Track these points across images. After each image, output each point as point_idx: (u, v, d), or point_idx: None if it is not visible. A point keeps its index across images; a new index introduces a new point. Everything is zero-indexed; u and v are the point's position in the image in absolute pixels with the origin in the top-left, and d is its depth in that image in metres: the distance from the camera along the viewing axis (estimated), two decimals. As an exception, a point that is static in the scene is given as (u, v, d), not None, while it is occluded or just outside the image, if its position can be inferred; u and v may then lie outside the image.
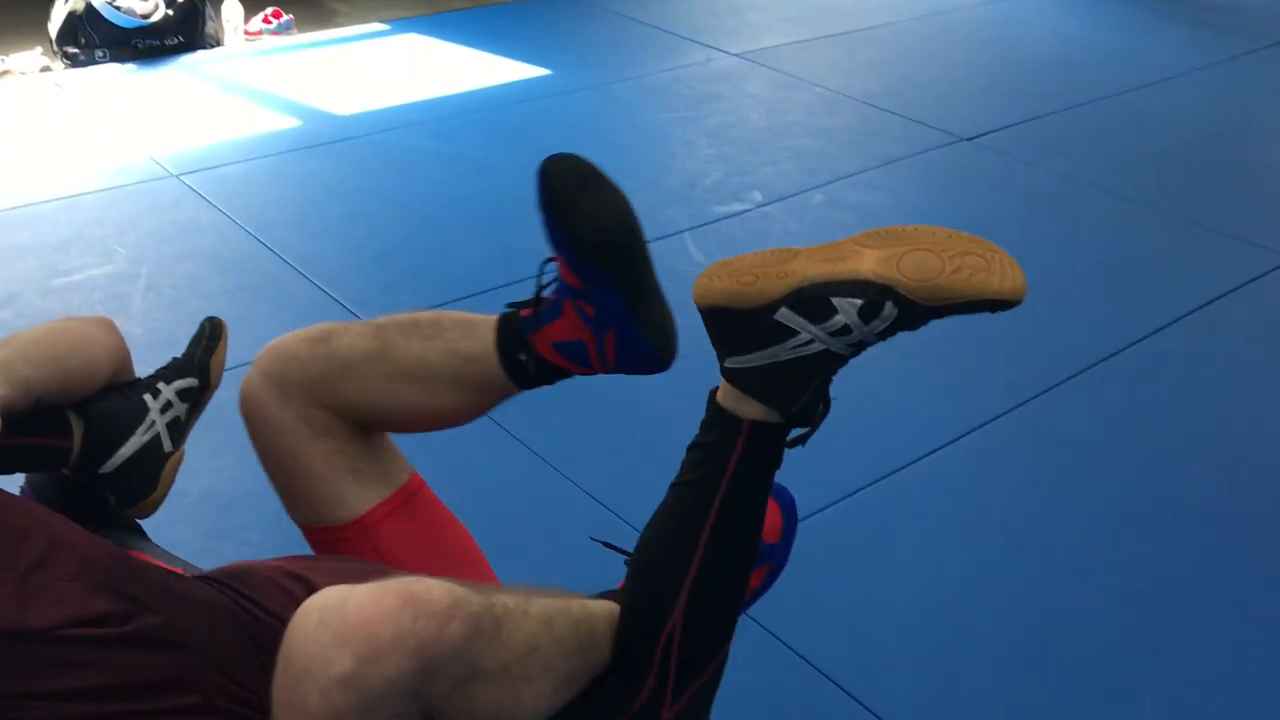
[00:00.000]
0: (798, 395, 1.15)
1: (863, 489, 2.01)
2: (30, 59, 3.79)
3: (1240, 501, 2.04)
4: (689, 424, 1.21)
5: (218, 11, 4.10)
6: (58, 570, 1.15)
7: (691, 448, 1.21)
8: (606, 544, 1.35)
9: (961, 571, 1.88)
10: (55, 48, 3.87)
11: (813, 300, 1.11)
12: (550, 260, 1.31)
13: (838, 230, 2.96)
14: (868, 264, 1.11)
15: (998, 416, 2.23)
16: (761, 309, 1.13)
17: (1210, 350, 2.49)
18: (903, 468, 2.07)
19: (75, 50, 3.84)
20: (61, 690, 1.12)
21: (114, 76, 3.76)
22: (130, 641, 1.15)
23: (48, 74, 3.77)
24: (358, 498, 1.36)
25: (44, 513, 1.21)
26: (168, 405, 1.48)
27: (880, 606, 1.80)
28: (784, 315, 1.12)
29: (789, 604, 1.57)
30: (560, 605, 1.14)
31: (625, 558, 1.31)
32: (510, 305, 1.34)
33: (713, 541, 1.17)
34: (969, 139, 3.57)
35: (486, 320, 1.34)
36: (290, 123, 3.48)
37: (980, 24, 4.76)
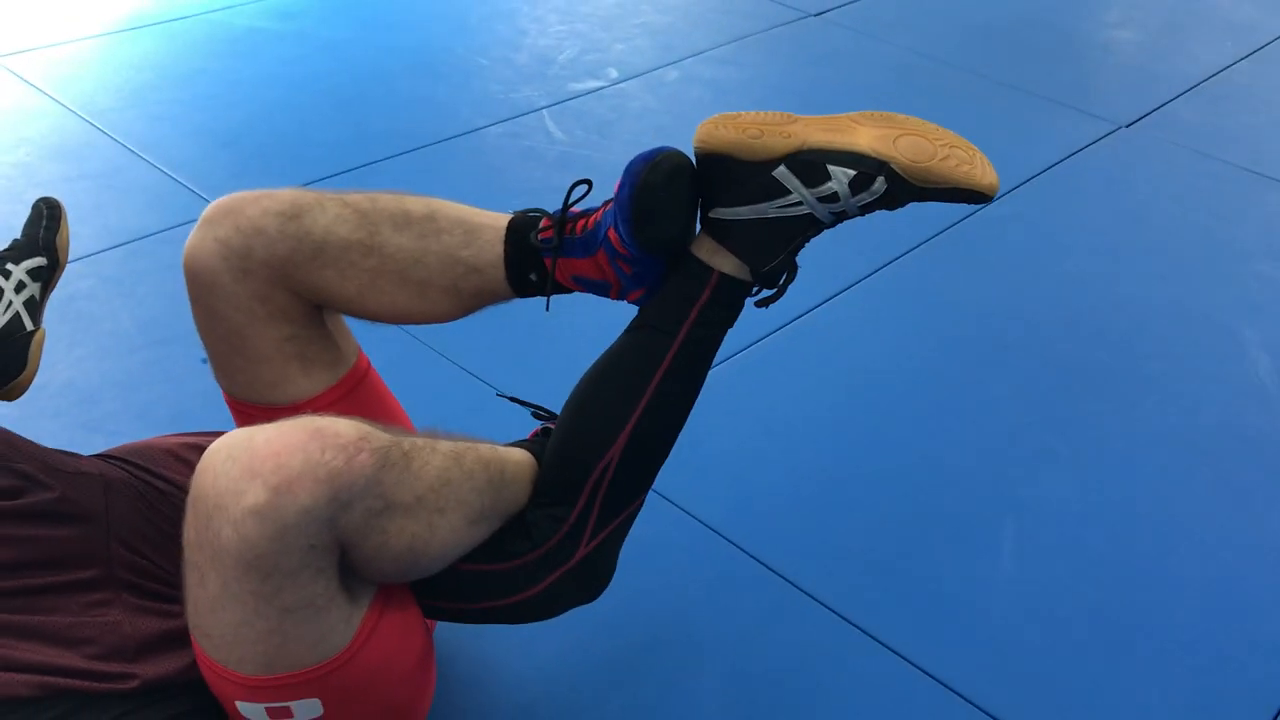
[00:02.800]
0: (772, 255, 1.18)
1: (742, 350, 2.07)
2: None
3: (1085, 343, 2.18)
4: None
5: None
6: None
7: (647, 289, 1.22)
8: (513, 399, 1.36)
9: (835, 424, 1.96)
10: None
11: (810, 164, 1.15)
12: (581, 184, 1.24)
13: (696, 106, 2.98)
14: (864, 140, 1.15)
15: (864, 278, 2.31)
16: (761, 163, 1.15)
17: (1053, 208, 2.62)
18: (778, 329, 2.14)
19: None
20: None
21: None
22: (24, 516, 1.12)
23: None
24: (301, 384, 1.30)
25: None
26: (21, 285, 1.42)
27: (760, 461, 1.87)
28: (780, 173, 1.15)
29: (673, 462, 1.62)
30: (468, 445, 1.15)
31: (533, 411, 1.33)
32: (523, 215, 1.27)
33: (663, 384, 1.20)
34: (817, 14, 3.60)
35: (490, 226, 1.26)
36: (115, 1, 3.27)
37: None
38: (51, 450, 1.21)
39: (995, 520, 1.78)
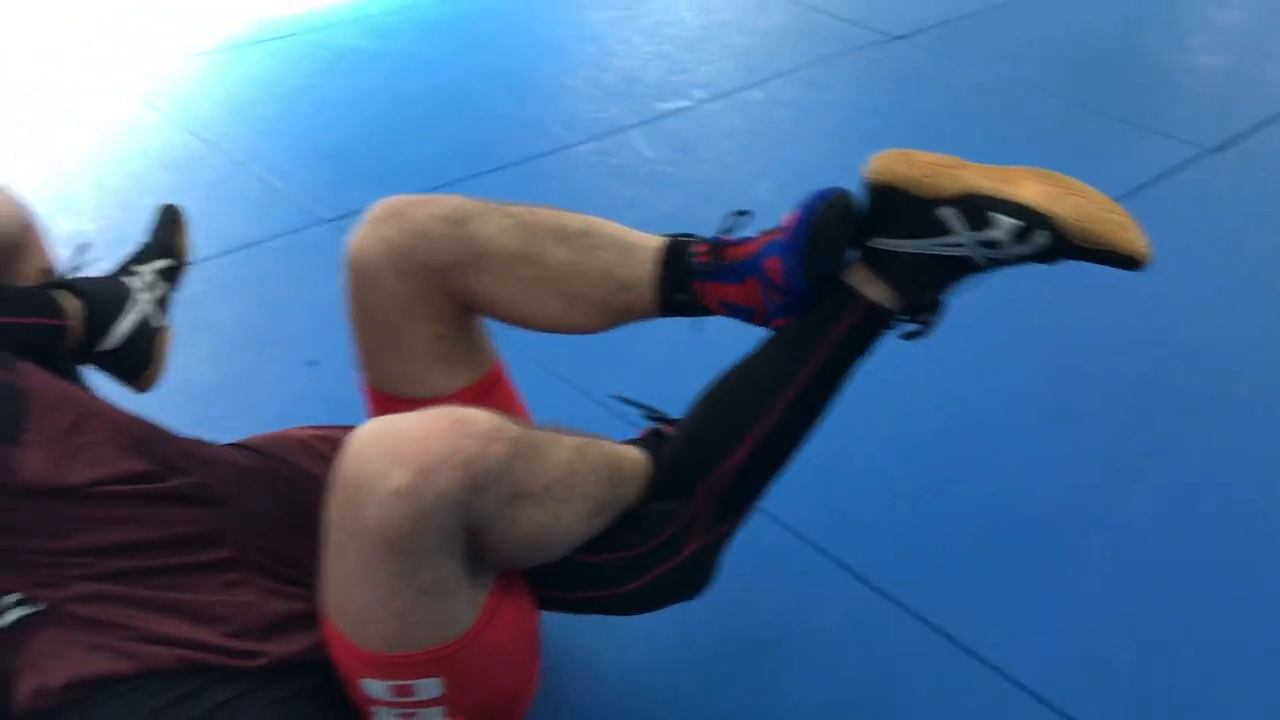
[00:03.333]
0: (923, 290, 1.24)
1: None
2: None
3: (1174, 366, 2.18)
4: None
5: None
6: (89, 436, 1.18)
7: (791, 317, 1.26)
8: (627, 400, 1.41)
9: (927, 441, 1.99)
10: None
11: (977, 208, 1.18)
12: (740, 214, 1.29)
13: (779, 126, 3.03)
14: (1030, 193, 1.18)
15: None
16: (930, 200, 1.19)
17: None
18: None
19: (-17, -55, 3.68)
20: (99, 545, 1.16)
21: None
22: (164, 498, 1.19)
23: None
24: (442, 380, 1.35)
25: (70, 387, 1.24)
26: (150, 284, 1.51)
27: (855, 475, 1.90)
28: (946, 213, 1.19)
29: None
30: (589, 440, 1.21)
31: (644, 412, 1.38)
32: (678, 239, 1.31)
33: (794, 401, 1.25)
34: (901, 37, 3.63)
35: (645, 246, 1.30)
36: (219, 21, 3.40)
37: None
38: (190, 439, 1.28)
39: (1086, 538, 1.79)
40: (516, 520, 1.10)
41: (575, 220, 1.32)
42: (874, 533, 1.78)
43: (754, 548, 1.70)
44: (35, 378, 1.18)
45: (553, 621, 1.49)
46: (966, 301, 2.27)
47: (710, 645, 1.59)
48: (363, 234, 1.32)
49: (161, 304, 1.53)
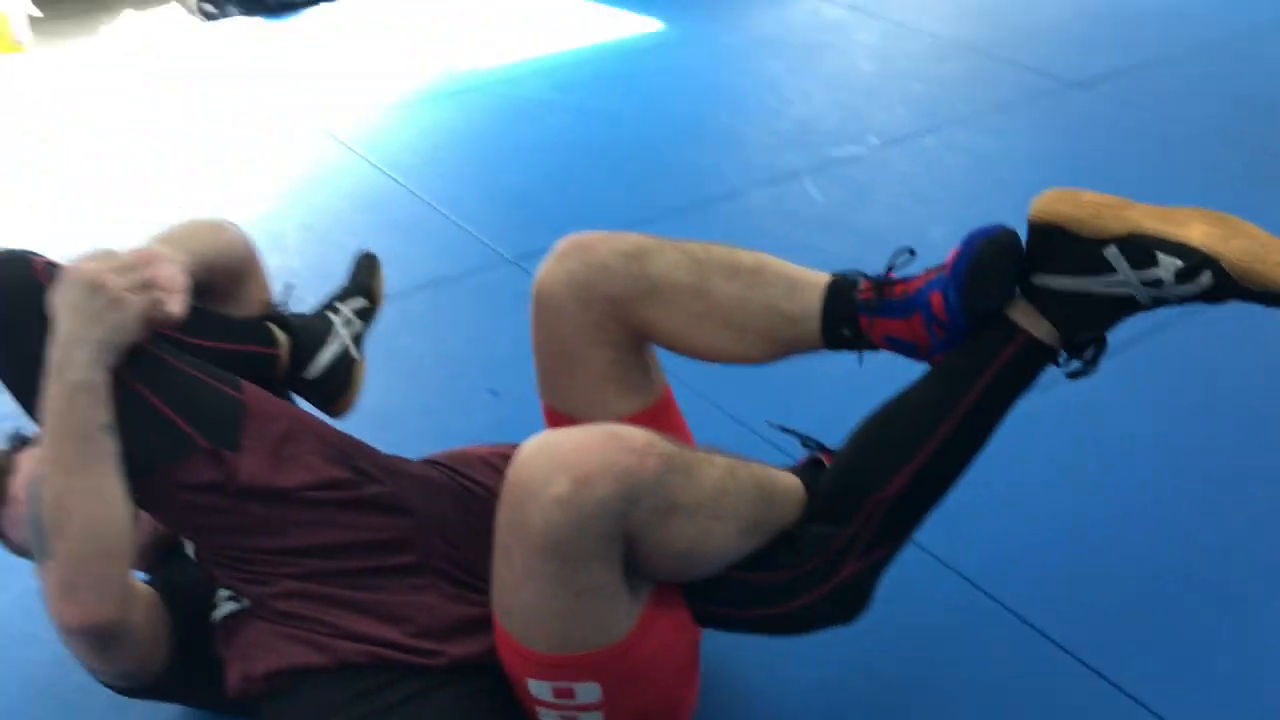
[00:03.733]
0: (1085, 328, 1.25)
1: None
2: (168, 15, 3.99)
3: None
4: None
5: (340, -32, 4.26)
6: (300, 445, 1.29)
7: (952, 351, 1.30)
8: (785, 428, 1.46)
9: (1096, 487, 1.96)
10: (192, 5, 4.05)
11: (1141, 249, 1.20)
12: (904, 252, 1.33)
13: (954, 172, 3.03)
14: (1196, 234, 1.20)
15: (1129, 345, 2.29)
16: (1095, 240, 1.22)
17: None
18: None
19: (210, 6, 4.02)
20: (302, 546, 1.27)
21: (246, 29, 3.93)
22: (361, 505, 1.30)
23: (188, 27, 3.96)
24: (616, 404, 1.42)
25: (284, 402, 1.36)
26: (349, 321, 1.65)
27: (1022, 518, 1.89)
28: (1110, 253, 1.21)
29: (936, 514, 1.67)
30: (742, 462, 1.26)
31: (802, 441, 1.42)
32: (844, 276, 1.35)
33: (953, 433, 1.28)
34: (1082, 84, 3.59)
35: (811, 283, 1.35)
36: (417, 74, 3.62)
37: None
38: (385, 454, 1.39)
39: (1265, 592, 1.73)
40: (669, 533, 1.16)
41: (746, 257, 1.39)
42: (1040, 577, 1.77)
43: (916, 588, 1.72)
44: (253, 395, 1.31)
45: (716, 641, 1.55)
46: (1139, 349, 2.23)
47: (870, 683, 1.61)
48: (549, 267, 1.41)
49: (357, 339, 1.67)
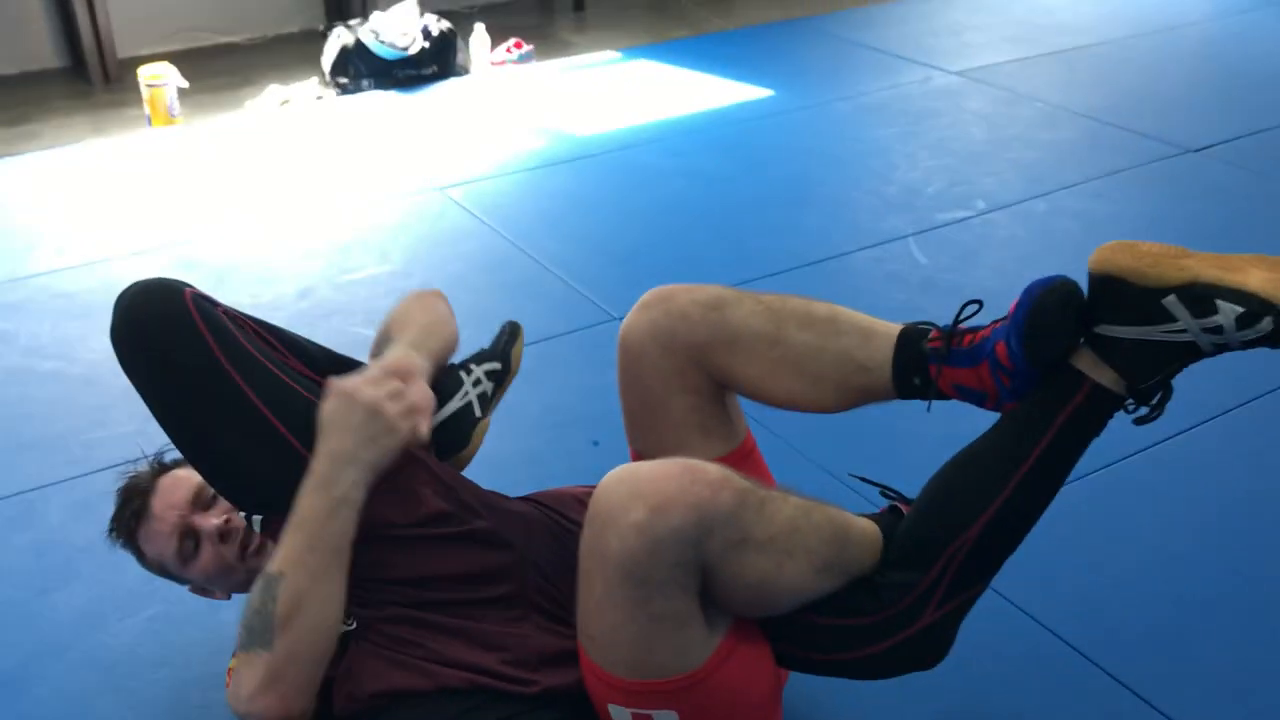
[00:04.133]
0: (1149, 375, 1.28)
1: (1105, 467, 2.10)
2: (307, 88, 4.24)
3: None
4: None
5: (467, 44, 4.47)
6: (414, 480, 1.39)
7: (1021, 400, 1.33)
8: (864, 479, 1.50)
9: (1197, 551, 1.95)
10: (328, 78, 4.31)
11: (1199, 298, 1.24)
12: (972, 303, 1.38)
13: (1063, 236, 3.04)
14: (1255, 281, 1.23)
15: (1233, 409, 2.28)
16: (1154, 290, 1.26)
17: None
18: (1143, 449, 2.15)
19: (345, 80, 4.26)
20: (410, 576, 1.37)
21: (379, 103, 4.16)
22: (465, 539, 1.39)
23: (321, 101, 4.20)
24: (698, 449, 1.48)
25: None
26: (478, 381, 1.71)
27: (1120, 581, 1.89)
28: (1170, 302, 1.25)
29: (1023, 572, 1.69)
30: (817, 504, 1.31)
31: (881, 490, 1.47)
32: (915, 326, 1.41)
33: (1026, 478, 1.31)
34: (1196, 150, 3.56)
35: (884, 333, 1.41)
36: (535, 142, 3.78)
37: (1204, 40, 4.70)
38: (486, 490, 1.48)
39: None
40: (743, 565, 1.22)
41: (821, 308, 1.45)
42: (1138, 641, 1.77)
43: (1009, 648, 1.73)
44: None
45: (798, 688, 1.59)
46: (1244, 413, 2.22)
47: (956, 730, 1.63)
48: (633, 317, 1.50)
49: (483, 398, 1.74)
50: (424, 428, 1.38)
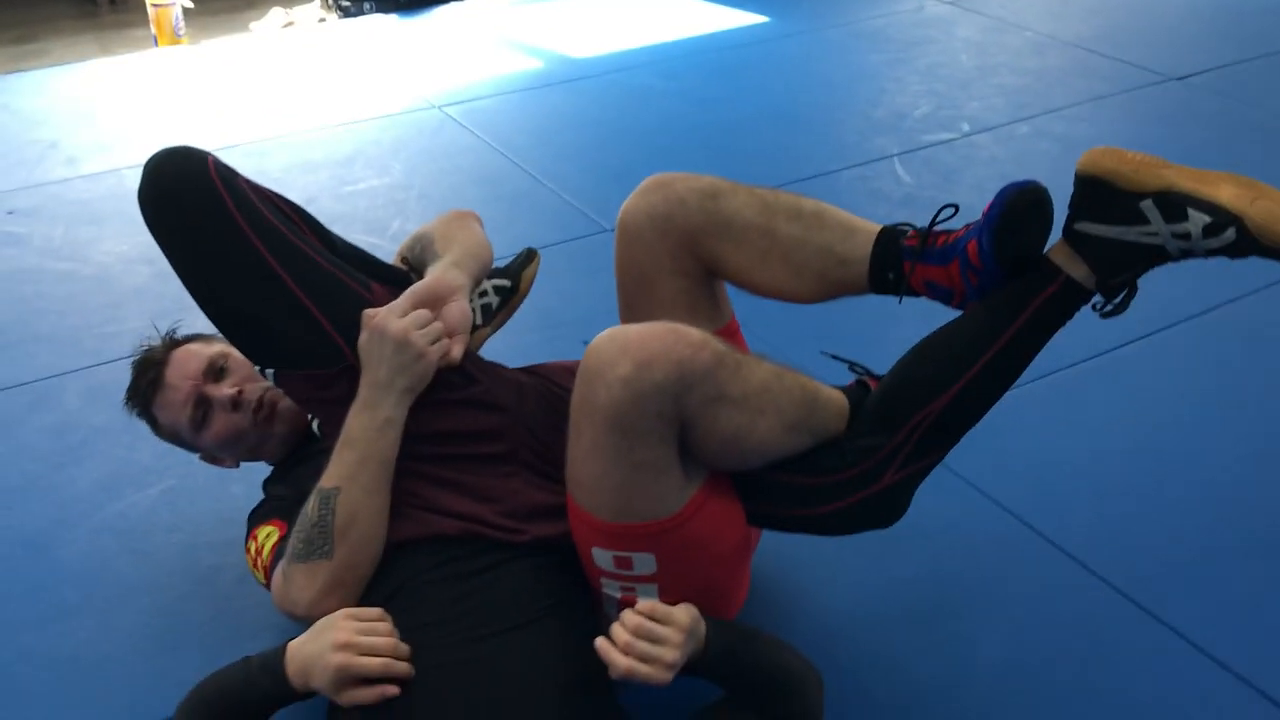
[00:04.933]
0: (1120, 272, 1.38)
1: (1060, 370, 2.23)
2: (310, 11, 4.31)
3: None
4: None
5: (467, -32, 4.53)
6: None
7: (997, 290, 1.42)
8: (835, 356, 1.61)
9: (1143, 443, 2.07)
10: (330, 1, 4.37)
11: (1174, 204, 1.33)
12: (947, 207, 1.46)
13: (1043, 158, 3.13)
14: (1225, 194, 1.32)
15: (1197, 315, 2.39)
16: (1133, 193, 1.35)
17: None
18: (1119, 346, 2.27)
19: (347, 3, 4.32)
20: (414, 433, 1.47)
21: (380, 25, 4.23)
22: (462, 402, 1.51)
23: (323, 23, 4.27)
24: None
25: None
26: (484, 293, 1.79)
27: (1065, 465, 2.01)
28: (1146, 205, 1.34)
29: (983, 456, 1.81)
30: (789, 369, 1.42)
31: (850, 366, 1.57)
32: (895, 226, 1.49)
33: (994, 359, 1.42)
34: (1180, 78, 3.64)
35: (865, 230, 1.50)
36: (533, 64, 3.86)
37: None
38: (486, 361, 1.59)
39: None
40: (718, 419, 1.33)
41: (810, 204, 1.55)
42: (1082, 515, 1.89)
43: (967, 516, 1.86)
44: (382, 297, 1.51)
45: (766, 555, 1.71)
46: (1207, 321, 2.27)
47: (910, 602, 1.75)
48: (632, 200, 1.60)
49: (486, 310, 1.82)
50: (457, 350, 1.50)
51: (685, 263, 1.58)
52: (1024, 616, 1.72)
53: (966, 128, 3.32)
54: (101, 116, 3.47)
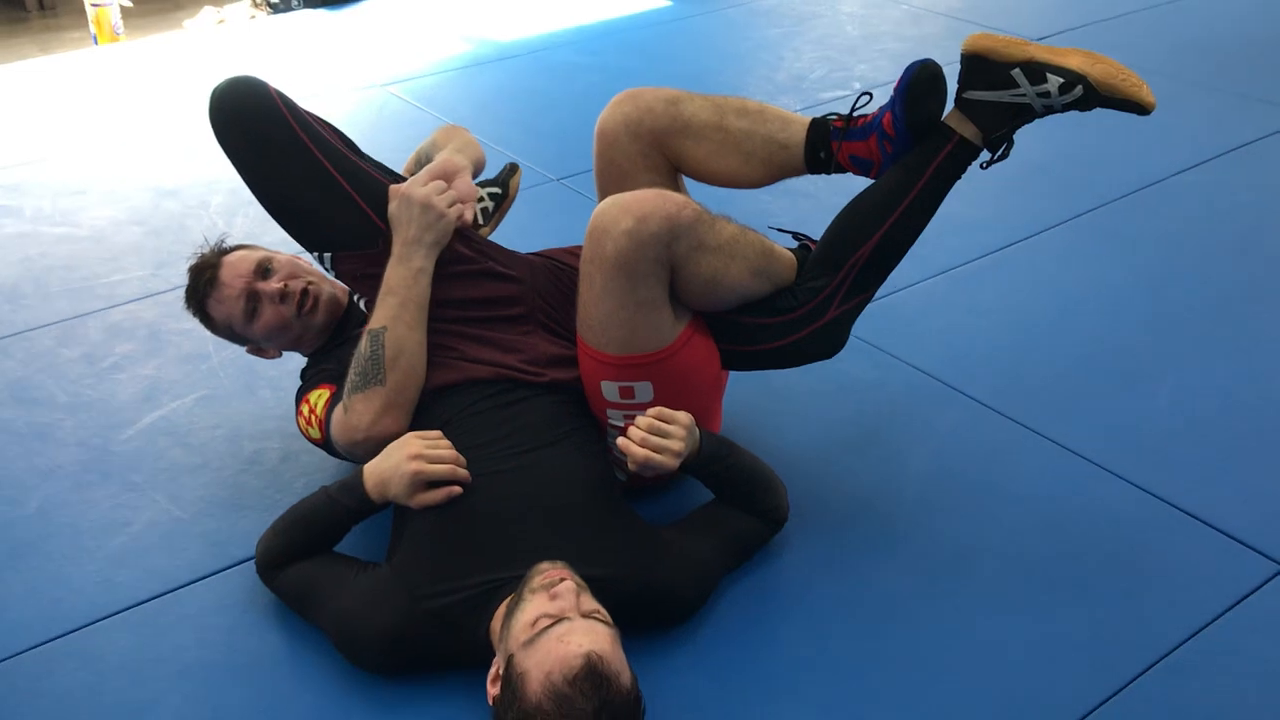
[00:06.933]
0: (1000, 127, 1.75)
1: (958, 266, 2.64)
2: (240, 9, 4.56)
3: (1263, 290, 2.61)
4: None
5: (387, -34, 4.83)
6: None
7: (905, 155, 1.79)
8: (780, 229, 1.98)
9: (1033, 321, 2.50)
10: (259, -1, 4.63)
11: (1036, 70, 1.71)
12: (865, 95, 1.84)
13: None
14: (1074, 61, 1.71)
15: (1065, 221, 2.83)
16: (1004, 64, 1.72)
17: (1242, 183, 3.04)
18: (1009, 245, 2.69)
19: (276, 0, 4.59)
20: (445, 299, 1.81)
21: (311, 19, 4.50)
22: (482, 274, 1.85)
23: (254, 20, 4.52)
24: None
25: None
26: (481, 199, 2.12)
27: (967, 335, 2.42)
28: (1016, 73, 1.72)
29: (900, 332, 2.18)
30: (750, 228, 1.78)
31: (793, 234, 1.95)
32: (824, 116, 1.85)
33: (908, 208, 1.79)
34: (1041, 38, 4.12)
35: (799, 121, 1.86)
36: (463, 47, 4.18)
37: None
38: (499, 246, 1.94)
39: (1164, 373, 2.27)
40: (699, 264, 1.68)
41: (753, 104, 1.92)
42: (984, 371, 2.31)
43: (889, 376, 2.25)
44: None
45: (727, 410, 2.05)
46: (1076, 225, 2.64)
47: (848, 434, 2.14)
48: (608, 110, 1.95)
49: (485, 213, 2.13)
50: (469, 213, 1.84)
51: (654, 159, 1.93)
52: (938, 442, 2.12)
53: (858, 86, 3.74)
54: (65, 107, 3.69)
